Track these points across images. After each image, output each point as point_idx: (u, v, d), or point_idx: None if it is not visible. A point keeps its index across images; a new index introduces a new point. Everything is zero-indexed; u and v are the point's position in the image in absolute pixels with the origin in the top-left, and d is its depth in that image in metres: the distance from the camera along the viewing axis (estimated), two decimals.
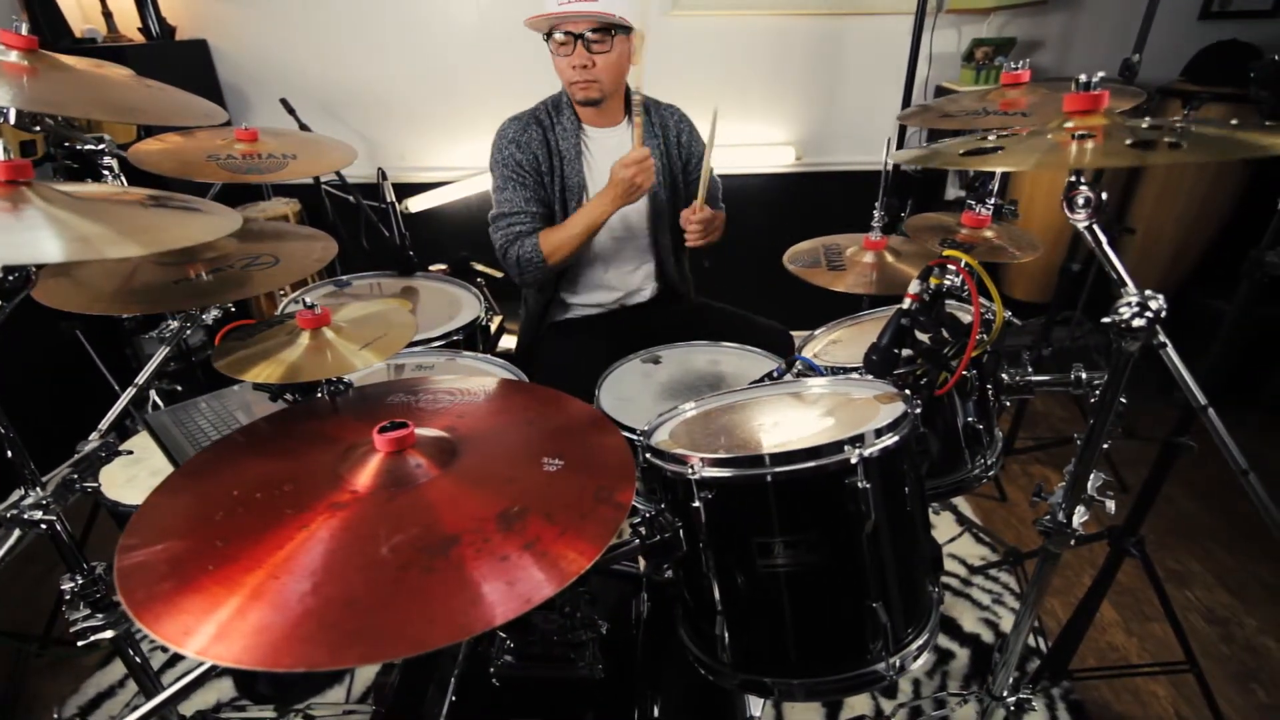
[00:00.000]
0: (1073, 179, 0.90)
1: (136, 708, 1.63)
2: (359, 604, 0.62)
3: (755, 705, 1.07)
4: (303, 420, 0.97)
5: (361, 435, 0.85)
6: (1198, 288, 2.65)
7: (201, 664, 0.74)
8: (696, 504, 0.81)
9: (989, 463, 1.15)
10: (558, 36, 1.54)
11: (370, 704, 1.53)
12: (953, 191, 2.70)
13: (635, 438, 0.94)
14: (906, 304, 0.92)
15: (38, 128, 1.17)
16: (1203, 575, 1.99)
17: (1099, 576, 1.46)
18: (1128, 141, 0.76)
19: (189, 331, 1.24)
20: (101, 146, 1.31)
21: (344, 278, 1.81)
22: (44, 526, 0.90)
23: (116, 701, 1.60)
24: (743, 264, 2.31)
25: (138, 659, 1.08)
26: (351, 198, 2.17)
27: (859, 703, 1.59)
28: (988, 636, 1.76)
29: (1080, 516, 1.04)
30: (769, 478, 0.81)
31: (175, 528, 0.73)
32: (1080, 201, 0.89)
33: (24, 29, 1.03)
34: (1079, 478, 1.02)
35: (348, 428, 0.91)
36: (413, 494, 0.75)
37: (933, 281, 0.93)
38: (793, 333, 1.97)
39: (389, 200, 2.04)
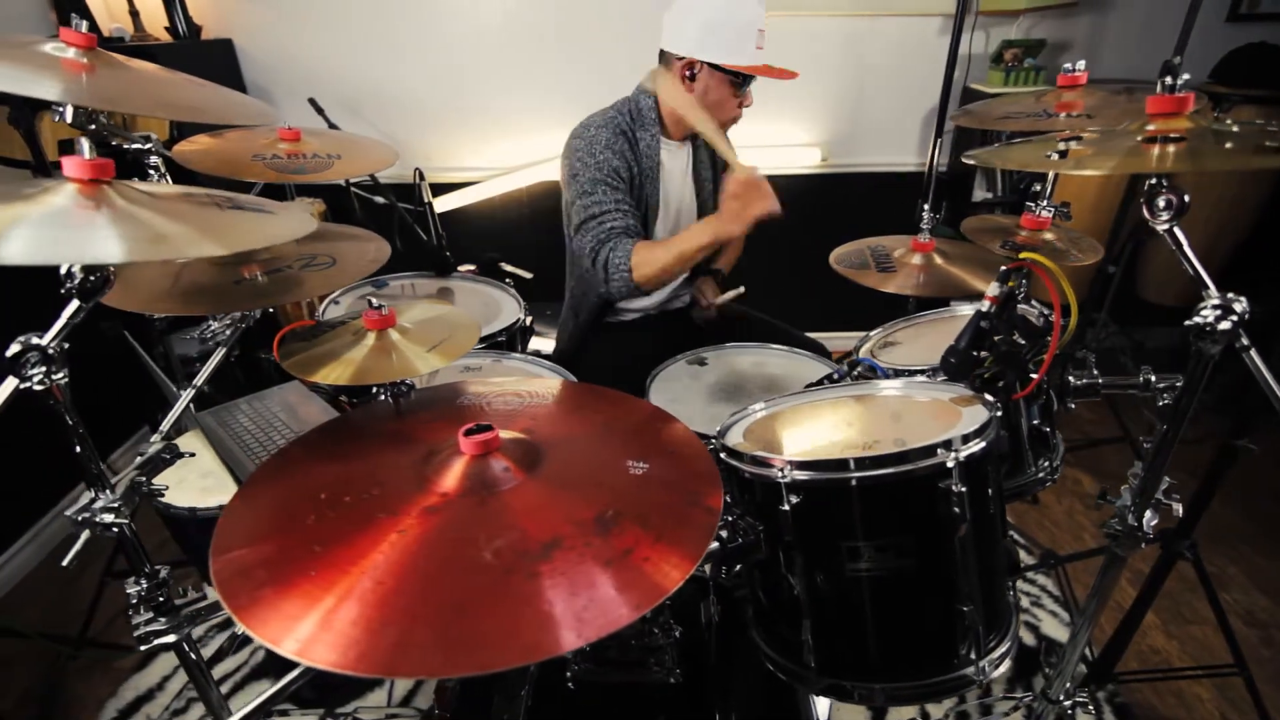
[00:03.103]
0: (1153, 181, 0.89)
1: (178, 712, 1.62)
2: (468, 609, 0.60)
3: (821, 706, 1.06)
4: (371, 423, 0.96)
5: (438, 437, 0.84)
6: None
7: (298, 666, 0.73)
8: (785, 507, 0.80)
9: (1054, 465, 1.14)
10: (736, 80, 1.55)
11: (414, 708, 1.52)
12: (979, 193, 2.69)
13: (710, 441, 0.93)
14: (985, 306, 0.91)
15: (93, 125, 1.16)
16: (1239, 578, 1.98)
17: (1149, 580, 1.45)
18: (1227, 145, 0.75)
19: (244, 328, 1.23)
20: (149, 145, 1.30)
21: (382, 278, 1.80)
22: (115, 530, 0.89)
23: (155, 705, 1.59)
24: (769, 263, 2.30)
25: (193, 655, 1.06)
26: (382, 198, 2.15)
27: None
28: (1029, 639, 1.75)
29: (1149, 520, 1.04)
30: (855, 481, 0.80)
31: (267, 532, 0.72)
32: (1162, 204, 0.89)
33: (84, 27, 1.02)
34: (1150, 481, 1.01)
35: (421, 429, 0.90)
36: (502, 498, 0.74)
37: (1009, 285, 0.92)
38: (829, 334, 1.97)
39: (426, 201, 2.03)
